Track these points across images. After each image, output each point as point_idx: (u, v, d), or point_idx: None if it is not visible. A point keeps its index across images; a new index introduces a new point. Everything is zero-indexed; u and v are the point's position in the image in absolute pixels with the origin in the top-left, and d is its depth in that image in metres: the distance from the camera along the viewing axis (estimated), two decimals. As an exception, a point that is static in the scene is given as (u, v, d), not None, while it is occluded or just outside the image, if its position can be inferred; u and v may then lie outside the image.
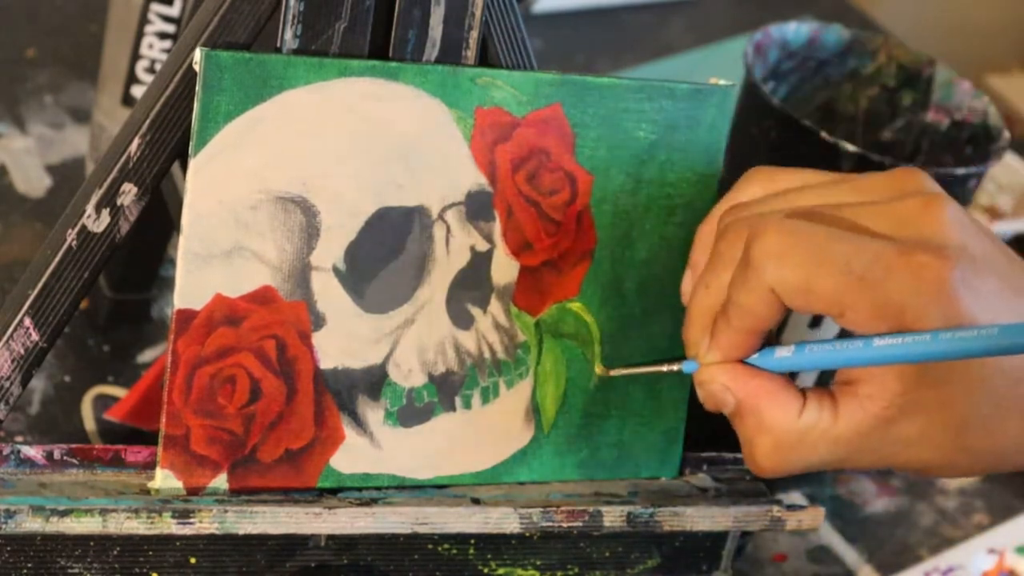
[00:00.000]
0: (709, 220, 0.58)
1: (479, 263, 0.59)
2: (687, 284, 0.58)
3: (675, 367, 0.57)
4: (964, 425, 0.52)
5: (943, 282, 0.49)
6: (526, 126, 0.58)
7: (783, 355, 0.54)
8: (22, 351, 0.56)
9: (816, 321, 0.75)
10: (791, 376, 0.55)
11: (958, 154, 0.80)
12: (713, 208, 0.58)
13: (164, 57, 0.79)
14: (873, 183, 0.54)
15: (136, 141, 0.56)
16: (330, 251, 0.56)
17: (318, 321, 0.57)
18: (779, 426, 0.53)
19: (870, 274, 0.50)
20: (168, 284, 0.80)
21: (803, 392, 0.54)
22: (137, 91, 0.80)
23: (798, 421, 0.53)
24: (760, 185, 0.57)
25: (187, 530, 0.55)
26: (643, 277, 0.62)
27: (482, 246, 0.59)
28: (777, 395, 0.53)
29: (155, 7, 0.78)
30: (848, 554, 0.78)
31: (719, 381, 0.54)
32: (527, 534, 0.60)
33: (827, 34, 0.80)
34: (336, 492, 0.58)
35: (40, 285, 0.56)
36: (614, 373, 0.61)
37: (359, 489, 0.59)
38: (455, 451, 0.60)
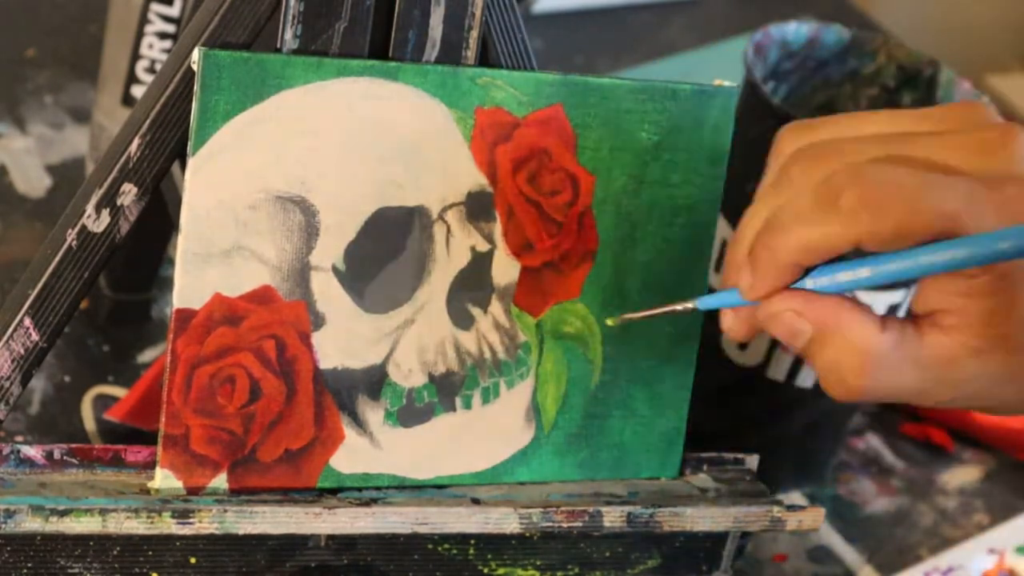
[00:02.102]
0: (744, 232, 0.53)
1: (480, 263, 0.59)
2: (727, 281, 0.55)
3: (689, 305, 0.56)
4: None
5: None
6: (527, 126, 0.58)
7: (844, 277, 0.51)
8: (22, 351, 0.56)
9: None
10: None
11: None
12: (750, 209, 0.54)
13: (164, 57, 0.79)
14: (941, 114, 0.52)
15: (136, 141, 0.56)
16: (330, 251, 0.56)
17: (318, 321, 0.57)
18: (866, 343, 0.50)
19: (965, 213, 0.48)
20: (168, 284, 0.80)
21: (879, 316, 0.51)
22: (137, 91, 0.80)
23: (882, 337, 0.50)
24: (804, 138, 0.53)
25: (187, 530, 0.55)
26: (645, 279, 0.62)
27: (483, 246, 0.59)
28: (855, 313, 0.51)
29: (155, 7, 0.78)
30: (848, 554, 0.78)
31: (790, 307, 0.51)
32: (527, 534, 0.60)
33: (827, 34, 0.80)
34: (336, 492, 0.58)
35: (40, 285, 0.56)
36: (626, 318, 0.60)
37: (359, 489, 0.59)
38: (455, 451, 0.60)
